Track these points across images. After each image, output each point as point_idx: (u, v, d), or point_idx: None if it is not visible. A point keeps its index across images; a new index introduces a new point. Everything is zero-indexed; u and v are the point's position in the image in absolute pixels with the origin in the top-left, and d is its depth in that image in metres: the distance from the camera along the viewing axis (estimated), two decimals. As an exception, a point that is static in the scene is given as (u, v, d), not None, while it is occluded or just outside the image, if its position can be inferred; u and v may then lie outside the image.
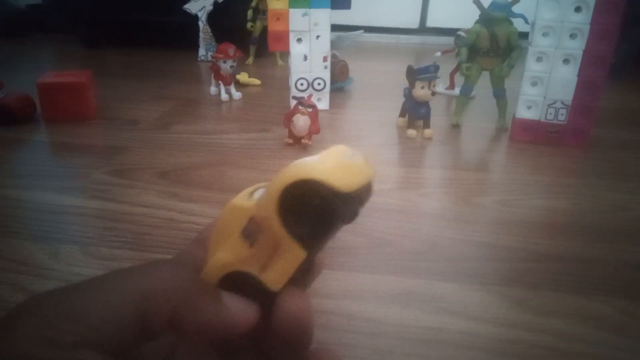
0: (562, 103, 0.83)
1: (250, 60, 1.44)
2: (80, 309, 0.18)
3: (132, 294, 0.19)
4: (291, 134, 0.82)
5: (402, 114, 0.93)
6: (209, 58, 1.39)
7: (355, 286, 0.48)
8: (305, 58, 0.97)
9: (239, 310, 0.22)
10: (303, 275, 0.24)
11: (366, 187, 0.23)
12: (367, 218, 0.60)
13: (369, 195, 0.23)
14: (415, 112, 0.88)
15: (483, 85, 0.95)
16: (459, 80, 1.03)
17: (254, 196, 0.24)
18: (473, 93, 1.02)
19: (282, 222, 0.22)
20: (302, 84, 0.99)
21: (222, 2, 1.40)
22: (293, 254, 0.23)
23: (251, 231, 0.23)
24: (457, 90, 1.05)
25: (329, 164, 0.22)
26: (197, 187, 0.67)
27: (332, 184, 0.21)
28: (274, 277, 0.23)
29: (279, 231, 0.22)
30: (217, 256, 0.24)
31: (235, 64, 1.06)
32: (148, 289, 0.20)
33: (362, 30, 1.22)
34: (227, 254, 0.24)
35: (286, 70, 1.34)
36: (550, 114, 0.84)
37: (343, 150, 0.24)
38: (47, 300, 0.19)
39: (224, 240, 0.24)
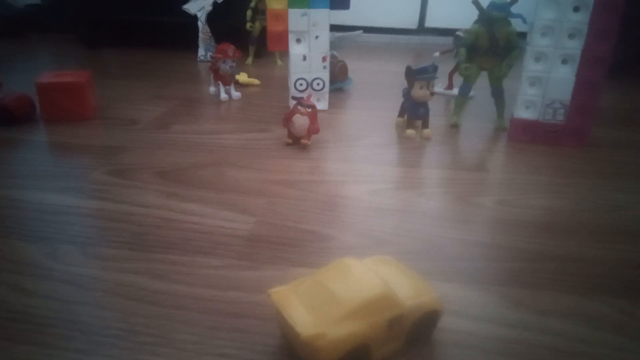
0: (561, 103, 0.84)
1: (249, 60, 1.44)
2: None
3: None
4: (290, 134, 0.82)
5: (401, 114, 0.93)
6: (209, 58, 1.39)
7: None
8: (305, 58, 0.97)
9: None
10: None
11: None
12: (367, 218, 0.60)
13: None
14: (414, 112, 0.88)
15: (481, 85, 0.95)
16: (458, 80, 1.03)
17: (396, 290, 0.37)
18: (472, 93, 1.02)
19: (409, 330, 0.38)
20: (301, 84, 0.99)
21: (222, 2, 1.40)
22: (395, 346, 0.38)
23: (395, 323, 0.36)
24: (455, 91, 1.05)
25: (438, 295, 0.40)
26: (196, 187, 0.67)
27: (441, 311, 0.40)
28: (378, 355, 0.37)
29: (403, 333, 0.38)
30: (355, 328, 0.34)
31: (234, 64, 1.06)
32: None
33: (361, 31, 1.22)
34: (367, 330, 0.35)
35: (285, 70, 1.34)
36: (549, 113, 0.85)
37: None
38: None
39: (366, 317, 0.35)
